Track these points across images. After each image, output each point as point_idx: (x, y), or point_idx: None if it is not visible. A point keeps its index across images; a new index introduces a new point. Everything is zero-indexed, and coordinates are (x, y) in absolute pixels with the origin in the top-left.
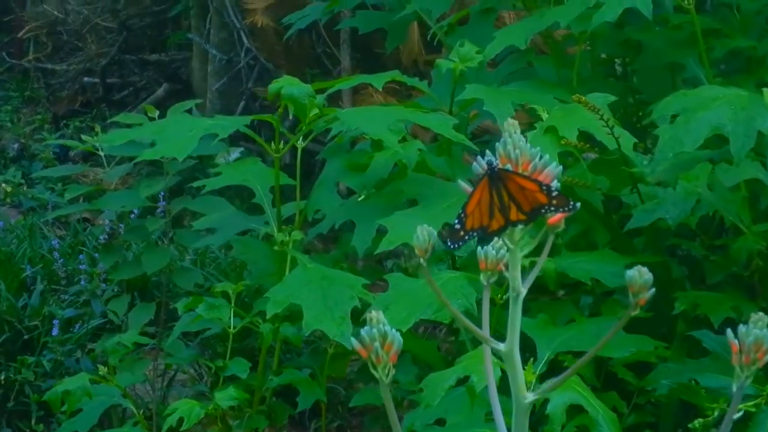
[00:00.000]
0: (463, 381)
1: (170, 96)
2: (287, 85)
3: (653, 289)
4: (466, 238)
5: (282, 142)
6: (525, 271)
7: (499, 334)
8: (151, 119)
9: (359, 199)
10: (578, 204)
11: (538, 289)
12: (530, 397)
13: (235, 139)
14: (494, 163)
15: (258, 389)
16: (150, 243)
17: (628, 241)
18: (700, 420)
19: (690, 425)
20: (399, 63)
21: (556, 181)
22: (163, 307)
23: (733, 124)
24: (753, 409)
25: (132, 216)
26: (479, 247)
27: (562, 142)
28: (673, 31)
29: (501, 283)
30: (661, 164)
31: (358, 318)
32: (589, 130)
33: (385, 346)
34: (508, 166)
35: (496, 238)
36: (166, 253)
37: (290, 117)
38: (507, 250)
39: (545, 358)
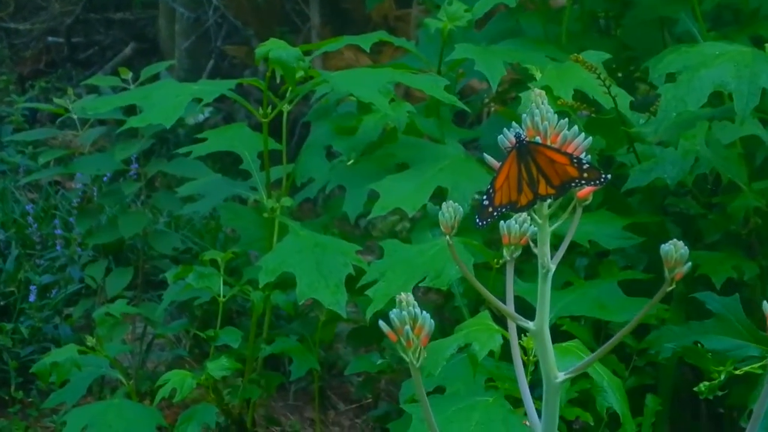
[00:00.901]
0: (463, 348)
1: (137, 55)
2: (275, 48)
3: (690, 263)
4: (495, 214)
5: (269, 106)
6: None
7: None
8: (124, 81)
9: (349, 163)
10: (609, 176)
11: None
12: (561, 377)
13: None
14: (522, 136)
15: (249, 358)
16: (125, 207)
17: (623, 201)
18: (706, 383)
19: (696, 389)
20: (368, 19)
21: (586, 153)
22: (140, 270)
23: (737, 82)
24: (759, 371)
25: (105, 179)
26: (502, 221)
27: (558, 102)
28: None
29: (497, 247)
30: (664, 124)
31: (351, 285)
32: (584, 89)
33: (415, 329)
34: (537, 139)
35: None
36: (142, 216)
37: (277, 81)
38: (534, 225)
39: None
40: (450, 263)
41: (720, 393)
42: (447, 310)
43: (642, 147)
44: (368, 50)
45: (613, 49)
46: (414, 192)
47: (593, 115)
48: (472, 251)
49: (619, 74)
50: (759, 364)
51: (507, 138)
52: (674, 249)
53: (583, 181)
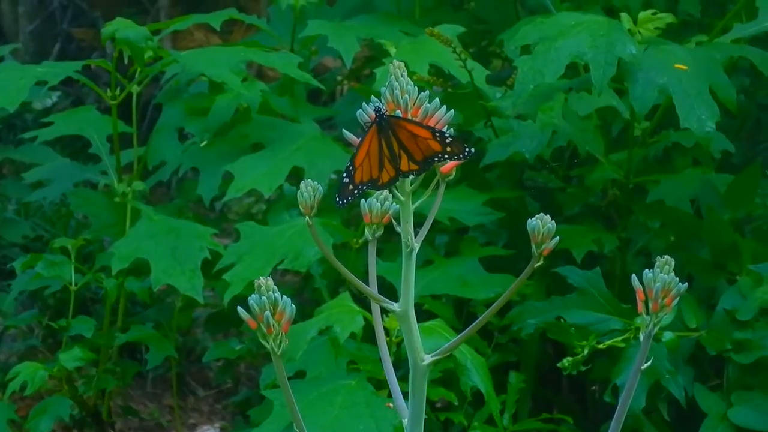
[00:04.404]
0: (324, 331)
1: None
2: (122, 27)
3: (557, 238)
4: (356, 192)
5: (118, 88)
6: None
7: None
8: None
9: (202, 144)
10: (473, 150)
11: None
12: (428, 359)
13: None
14: (382, 110)
15: (104, 348)
16: None
17: (482, 176)
18: (569, 359)
19: (559, 364)
20: None
21: (448, 126)
22: None
23: (594, 52)
24: (622, 344)
25: None
26: (362, 200)
27: (414, 78)
28: None
29: (356, 227)
30: (521, 97)
31: (208, 270)
32: (440, 63)
33: (276, 314)
34: (398, 113)
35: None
36: None
37: (125, 62)
38: (396, 202)
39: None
40: (308, 244)
41: (583, 368)
42: (306, 292)
43: (499, 121)
44: (218, 29)
45: (466, 22)
46: (269, 172)
47: (449, 90)
48: (332, 231)
49: (473, 48)
50: (621, 337)
51: (366, 113)
52: (541, 224)
53: (447, 156)
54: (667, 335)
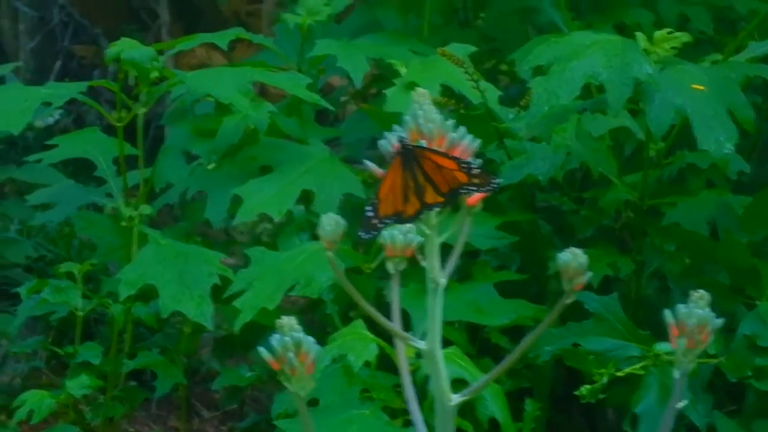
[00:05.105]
0: (337, 359)
1: None
2: (127, 48)
3: (590, 273)
4: (380, 226)
5: (123, 109)
6: None
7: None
8: None
9: (210, 167)
10: (500, 180)
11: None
12: (456, 399)
13: None
14: (406, 140)
15: (111, 375)
16: None
17: (494, 199)
18: (587, 386)
19: (577, 392)
20: (219, 14)
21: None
22: None
23: (609, 72)
24: (641, 372)
25: None
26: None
27: None
28: None
29: (366, 251)
30: (536, 118)
31: (217, 296)
32: (451, 84)
33: (299, 355)
34: (422, 143)
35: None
36: None
37: (129, 82)
38: (422, 236)
39: (422, 330)
40: (320, 270)
41: (602, 396)
42: (315, 314)
43: (512, 143)
44: (226, 48)
45: (474, 41)
46: (278, 195)
47: (461, 111)
48: (342, 256)
49: (483, 67)
50: (640, 365)
51: (390, 143)
52: (573, 258)
53: (473, 187)
54: None
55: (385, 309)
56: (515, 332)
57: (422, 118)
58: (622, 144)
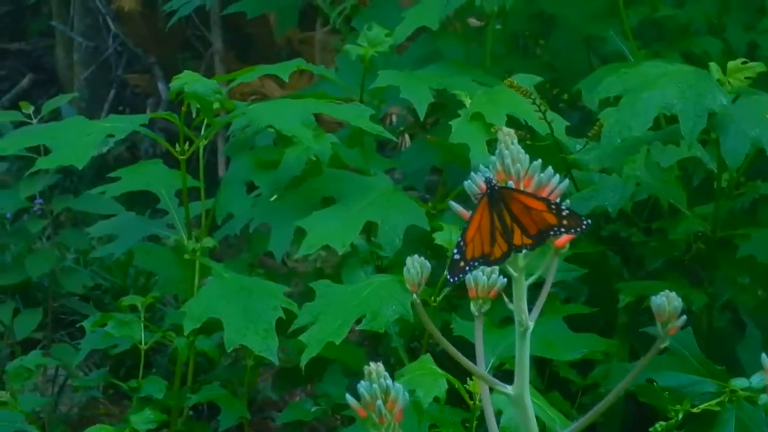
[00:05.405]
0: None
1: (35, 86)
2: (191, 81)
3: (684, 317)
4: (467, 269)
5: (186, 142)
6: None
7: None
8: (26, 115)
9: (272, 198)
10: (590, 221)
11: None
12: None
13: None
14: (493, 181)
15: (175, 409)
16: (31, 245)
17: None
18: (662, 423)
19: (651, 429)
20: (272, 43)
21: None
22: (49, 310)
23: (682, 103)
24: (716, 408)
25: (7, 216)
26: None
27: (492, 130)
28: (589, 1)
29: (433, 284)
30: (608, 150)
31: (283, 329)
32: (517, 114)
33: (388, 404)
34: (510, 183)
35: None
36: (50, 255)
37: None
38: (507, 277)
39: (490, 364)
40: (386, 304)
41: None
42: (380, 349)
43: (579, 174)
44: (287, 80)
45: (536, 70)
46: (342, 228)
47: (528, 142)
48: (407, 289)
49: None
50: (716, 401)
51: (476, 184)
52: (667, 301)
53: (563, 229)
54: (764, 398)
55: (451, 342)
56: (582, 365)
57: (509, 158)
58: (691, 174)
